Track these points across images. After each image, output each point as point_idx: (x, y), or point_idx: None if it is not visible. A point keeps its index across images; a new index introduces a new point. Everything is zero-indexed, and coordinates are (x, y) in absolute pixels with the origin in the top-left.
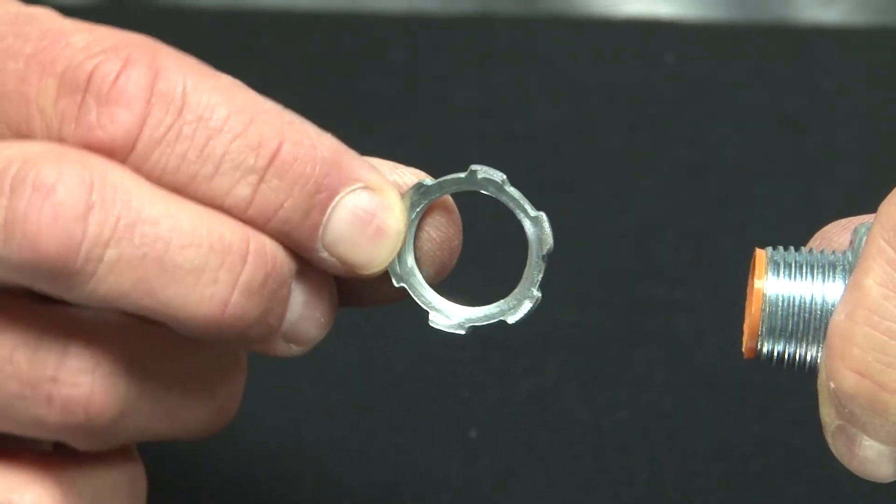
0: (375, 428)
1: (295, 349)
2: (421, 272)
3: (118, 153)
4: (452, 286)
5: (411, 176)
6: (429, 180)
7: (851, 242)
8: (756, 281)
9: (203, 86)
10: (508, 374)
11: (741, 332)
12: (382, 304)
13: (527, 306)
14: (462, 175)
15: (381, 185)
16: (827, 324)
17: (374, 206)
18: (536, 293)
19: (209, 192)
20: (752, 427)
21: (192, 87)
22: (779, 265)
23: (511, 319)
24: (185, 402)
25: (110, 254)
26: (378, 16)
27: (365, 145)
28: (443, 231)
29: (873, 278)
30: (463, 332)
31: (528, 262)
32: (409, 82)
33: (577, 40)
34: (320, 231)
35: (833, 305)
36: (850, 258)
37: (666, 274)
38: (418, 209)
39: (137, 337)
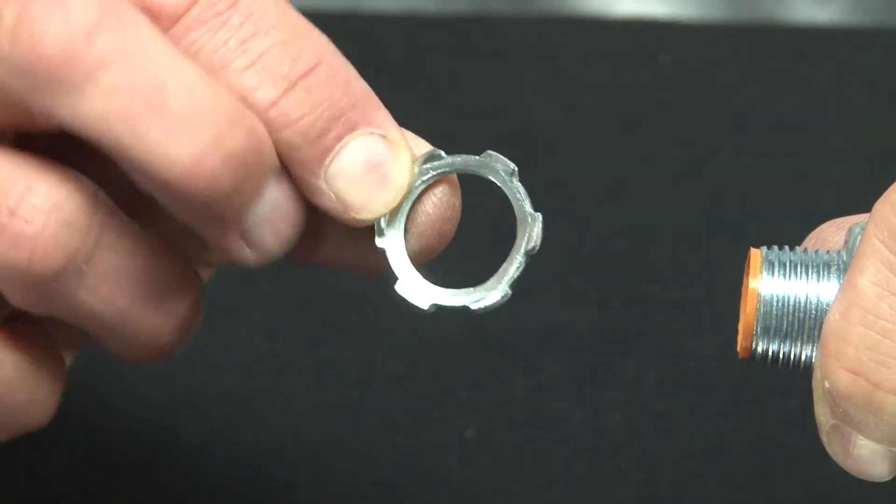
0: (372, 428)
1: (248, 255)
2: (406, 245)
3: (164, 20)
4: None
5: (425, 146)
6: (442, 153)
7: (846, 242)
8: (751, 280)
9: None
10: (504, 375)
11: (736, 332)
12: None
13: (494, 298)
14: (476, 157)
15: (399, 141)
16: (821, 323)
17: (385, 155)
18: (507, 289)
19: (236, 84)
20: (747, 427)
21: None
22: (773, 265)
23: (475, 307)
24: (131, 294)
25: (107, 77)
26: (373, 15)
27: None
28: (440, 210)
29: (867, 278)
30: (426, 307)
31: (508, 256)
32: (404, 82)
33: (572, 40)
34: (328, 159)
35: (828, 305)
36: (844, 258)
37: (660, 274)
38: (424, 178)
39: (104, 205)
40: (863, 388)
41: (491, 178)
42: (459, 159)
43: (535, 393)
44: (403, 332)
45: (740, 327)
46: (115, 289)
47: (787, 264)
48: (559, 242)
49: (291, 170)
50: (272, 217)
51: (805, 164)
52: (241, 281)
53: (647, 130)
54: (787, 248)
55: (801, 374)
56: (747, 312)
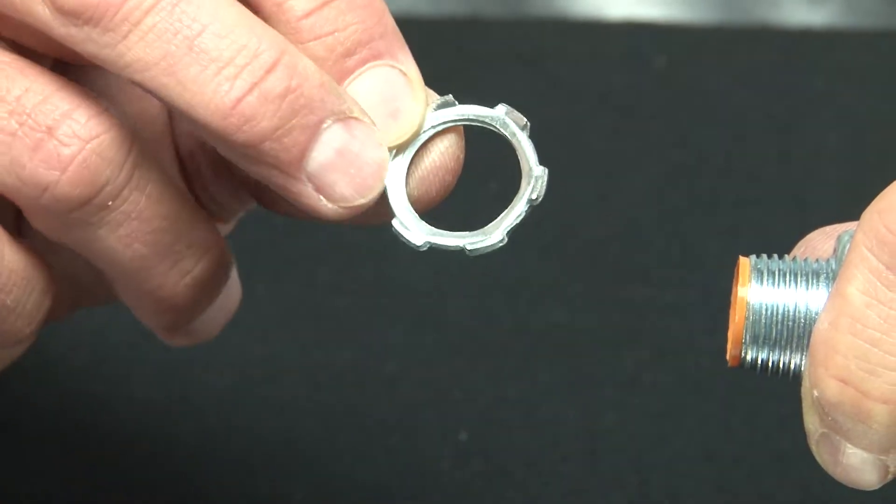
0: (366, 430)
1: (323, 205)
2: (406, 188)
3: None
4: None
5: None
6: (455, 101)
7: (835, 250)
8: (739, 289)
9: None
10: (498, 377)
11: (726, 340)
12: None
13: (490, 242)
14: (489, 109)
15: (418, 81)
16: (810, 332)
17: (403, 91)
18: (504, 236)
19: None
20: (741, 430)
21: None
22: (762, 273)
23: (471, 247)
24: (151, 241)
25: (148, 21)
26: None
27: None
28: (445, 159)
29: (856, 286)
30: (420, 244)
31: (511, 205)
32: None
33: (566, 43)
34: (348, 80)
35: (817, 313)
36: (833, 266)
37: (655, 276)
38: (434, 124)
39: (140, 146)
40: (852, 396)
41: (502, 131)
42: (472, 110)
43: (528, 395)
44: (397, 335)
45: (729, 336)
46: (135, 232)
47: (776, 273)
48: (553, 244)
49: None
50: (339, 162)
51: (799, 167)
52: None
53: (642, 133)
54: (775, 256)
55: (791, 381)
56: (736, 321)
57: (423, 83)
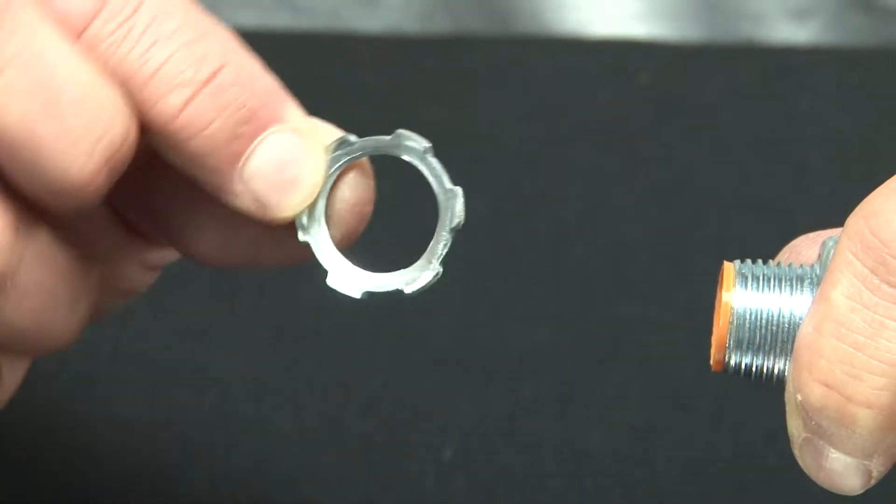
0: (350, 448)
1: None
2: (329, 232)
3: (72, 29)
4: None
5: (334, 131)
6: (353, 137)
7: (819, 256)
8: (724, 294)
9: None
10: (483, 394)
11: (710, 345)
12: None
13: (426, 278)
14: (387, 137)
15: (309, 133)
16: (794, 337)
17: (297, 151)
18: (438, 266)
19: (143, 94)
20: (726, 447)
21: None
22: (747, 278)
23: (408, 290)
24: (52, 304)
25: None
26: (352, 36)
27: None
28: (357, 193)
29: (840, 290)
30: (358, 296)
31: (435, 235)
32: (383, 103)
33: (552, 61)
34: (241, 162)
35: (801, 318)
36: (818, 271)
37: (639, 294)
38: (338, 164)
39: (26, 224)
40: (835, 401)
41: (406, 157)
42: (371, 141)
43: (513, 413)
44: (381, 353)
45: (713, 340)
46: (35, 302)
47: (761, 278)
48: (537, 261)
49: (207, 175)
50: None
51: (783, 185)
52: (219, 301)
53: (626, 151)
54: (760, 261)
55: (774, 387)
56: (720, 326)
57: (315, 131)
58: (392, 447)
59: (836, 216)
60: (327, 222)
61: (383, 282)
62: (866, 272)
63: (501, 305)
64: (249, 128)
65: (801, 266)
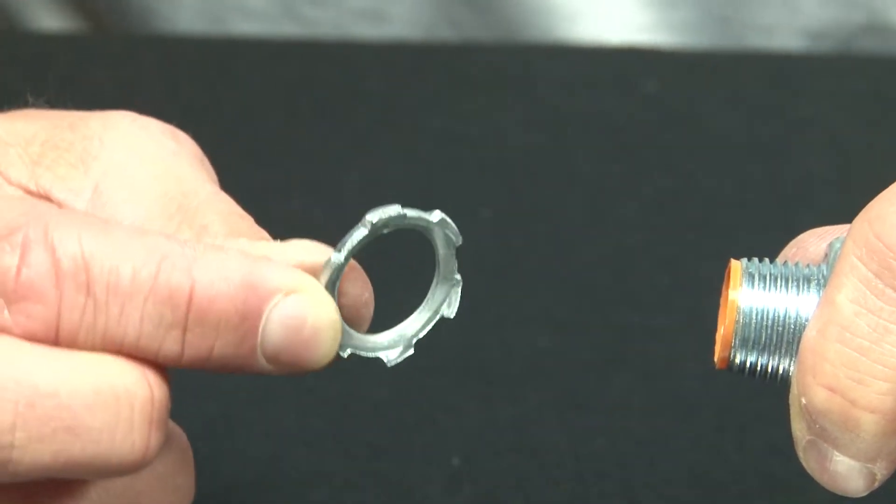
0: (356, 455)
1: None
2: (349, 328)
3: (43, 343)
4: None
5: (322, 252)
6: (336, 254)
7: (826, 256)
8: (730, 292)
9: (101, 247)
10: (489, 401)
11: (714, 345)
12: None
13: (457, 294)
14: (364, 231)
15: (301, 284)
16: (800, 337)
17: (302, 309)
18: (459, 277)
19: (139, 353)
20: (730, 454)
21: (90, 254)
22: (753, 277)
23: (449, 314)
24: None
25: (20, 437)
26: (355, 44)
27: (342, 174)
28: (357, 289)
29: (845, 295)
30: (412, 351)
31: (440, 262)
32: (387, 110)
33: (556, 68)
34: (258, 351)
35: (807, 319)
36: (824, 272)
37: (643, 301)
38: (336, 281)
39: None
40: (840, 405)
41: (385, 232)
42: (354, 244)
43: (518, 420)
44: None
45: (718, 338)
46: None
47: (767, 277)
48: (542, 268)
49: (237, 371)
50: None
51: (788, 192)
52: None
53: (631, 158)
54: (766, 260)
55: (783, 399)
56: (726, 324)
57: (304, 277)
58: (399, 454)
59: (839, 223)
60: (345, 323)
61: (422, 322)
62: (871, 276)
63: (506, 312)
64: (249, 323)
65: (808, 266)
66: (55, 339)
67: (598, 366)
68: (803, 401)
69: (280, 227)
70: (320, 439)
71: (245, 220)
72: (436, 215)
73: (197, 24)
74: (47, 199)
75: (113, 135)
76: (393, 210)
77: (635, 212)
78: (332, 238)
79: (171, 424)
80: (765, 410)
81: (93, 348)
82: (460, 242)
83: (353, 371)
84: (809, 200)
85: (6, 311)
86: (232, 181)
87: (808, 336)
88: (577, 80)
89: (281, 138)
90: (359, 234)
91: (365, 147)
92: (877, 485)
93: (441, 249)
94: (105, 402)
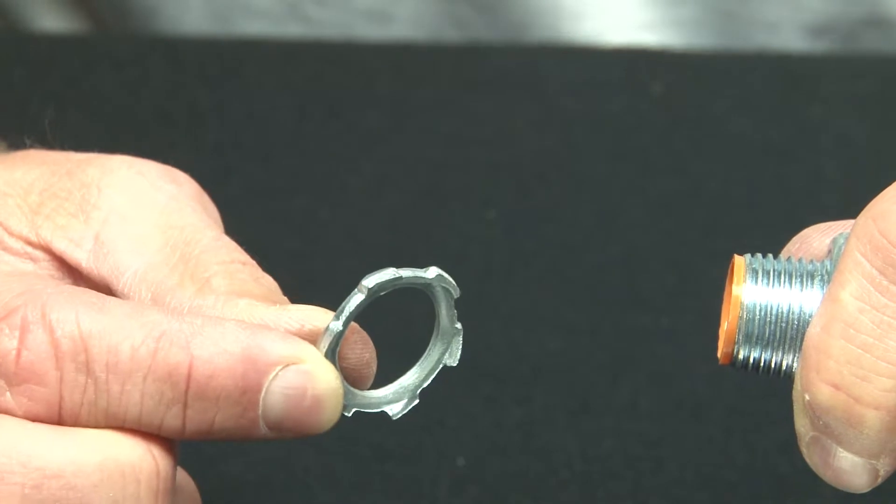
0: (363, 456)
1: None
2: (351, 387)
3: (46, 423)
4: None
5: (312, 313)
6: (335, 321)
7: (830, 251)
8: (734, 287)
9: (99, 325)
10: (496, 403)
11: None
12: None
13: (458, 343)
14: (361, 296)
15: (300, 354)
16: (804, 333)
17: (301, 380)
18: (459, 326)
19: (142, 429)
20: (738, 455)
21: (88, 333)
22: (757, 273)
23: (451, 362)
24: None
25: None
26: (364, 45)
27: (351, 175)
28: (358, 351)
29: (849, 291)
30: (417, 400)
31: (441, 314)
32: (396, 111)
33: (564, 69)
34: (260, 422)
35: (810, 315)
36: (828, 268)
37: (651, 302)
38: (335, 348)
39: None
40: (843, 402)
41: (382, 294)
42: (352, 310)
43: (526, 421)
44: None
45: (722, 334)
46: None
47: (771, 272)
48: (550, 270)
49: (240, 440)
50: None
51: (796, 193)
52: None
53: (639, 159)
54: (770, 256)
55: (790, 398)
56: (730, 319)
57: (303, 346)
58: (405, 455)
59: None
60: (348, 383)
61: (426, 372)
62: (875, 273)
63: (514, 314)
64: (249, 395)
65: (812, 262)
66: (58, 418)
67: (607, 367)
68: (807, 397)
69: (286, 226)
70: (327, 439)
71: (247, 268)
72: (431, 272)
73: (202, 25)
74: (48, 250)
75: (111, 181)
76: (388, 273)
77: (643, 213)
78: (338, 238)
79: (180, 475)
80: (773, 411)
81: (96, 426)
82: (458, 295)
83: None
84: (818, 200)
85: (8, 394)
86: (239, 182)
87: (812, 333)
88: (584, 82)
89: (287, 138)
90: (356, 300)
91: (371, 147)
92: (880, 480)
93: (440, 303)
94: (111, 480)
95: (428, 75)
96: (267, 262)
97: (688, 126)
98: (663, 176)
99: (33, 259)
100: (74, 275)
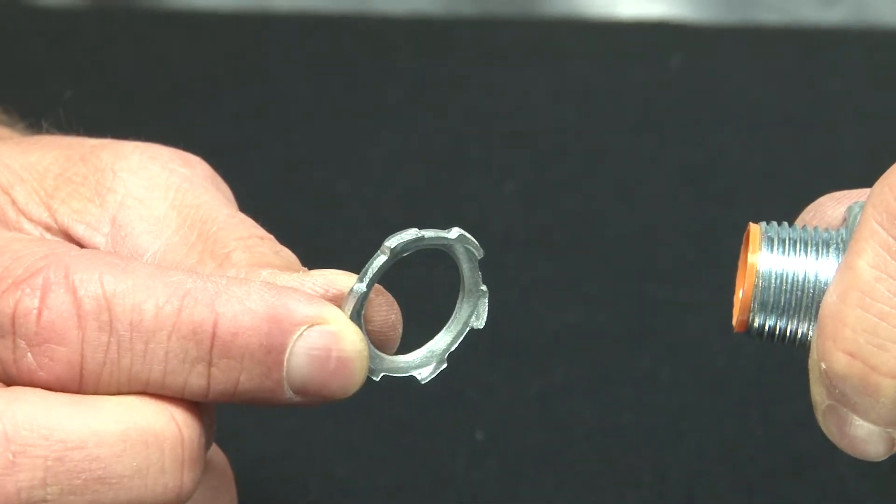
0: (382, 429)
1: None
2: (379, 352)
3: (68, 386)
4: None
5: (336, 277)
6: (359, 283)
7: (845, 220)
8: (750, 255)
9: (123, 285)
10: (515, 376)
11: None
12: None
13: (485, 304)
14: (384, 257)
15: (325, 315)
16: (819, 301)
17: (327, 340)
18: (484, 288)
19: (166, 391)
20: (757, 428)
21: (112, 293)
22: (773, 241)
23: (479, 324)
24: None
25: (52, 490)
26: (382, 18)
27: (369, 148)
28: (383, 313)
29: (865, 260)
30: (445, 364)
31: (464, 277)
32: (413, 84)
33: (582, 42)
34: (284, 384)
35: (826, 283)
36: (844, 236)
37: (671, 275)
38: (360, 310)
39: None
40: (859, 370)
41: (405, 255)
42: (375, 271)
43: (545, 394)
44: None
45: (737, 301)
46: None
47: (787, 240)
48: (569, 243)
49: (265, 404)
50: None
51: (815, 165)
52: None
53: (657, 132)
54: (786, 224)
55: (797, 348)
56: (745, 287)
57: (328, 307)
58: (423, 429)
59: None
60: (375, 347)
61: (453, 336)
62: (891, 241)
63: (533, 287)
64: (274, 355)
65: (828, 230)
66: (79, 380)
67: (625, 340)
68: (823, 366)
69: (307, 198)
70: (346, 413)
71: (266, 242)
72: (454, 232)
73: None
74: (66, 235)
75: (124, 165)
76: (411, 233)
77: (662, 185)
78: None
79: (211, 449)
80: (791, 384)
81: (118, 388)
82: (482, 255)
83: None
84: (837, 172)
85: (29, 354)
86: (258, 155)
87: (828, 301)
88: (603, 55)
89: (306, 112)
90: (379, 261)
91: (390, 121)
92: None
93: (464, 264)
94: (134, 449)
95: (445, 49)
96: (286, 234)
97: (705, 98)
98: (682, 148)
99: None
100: None
